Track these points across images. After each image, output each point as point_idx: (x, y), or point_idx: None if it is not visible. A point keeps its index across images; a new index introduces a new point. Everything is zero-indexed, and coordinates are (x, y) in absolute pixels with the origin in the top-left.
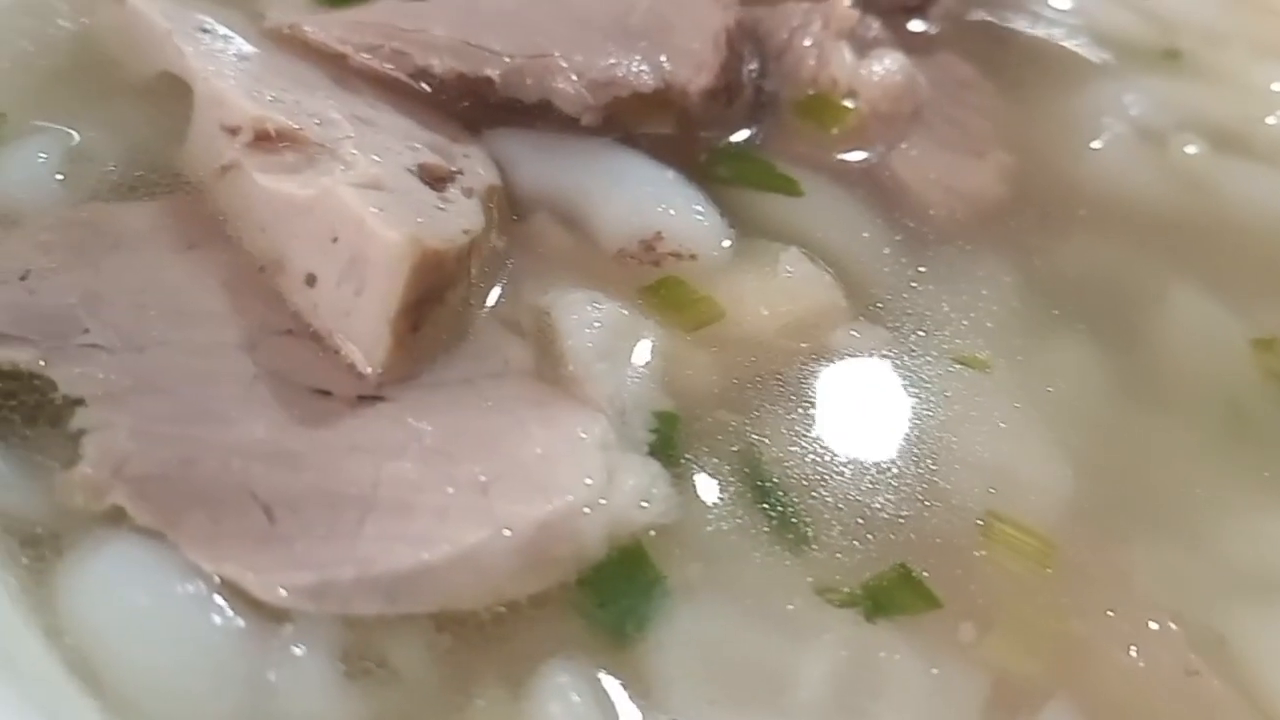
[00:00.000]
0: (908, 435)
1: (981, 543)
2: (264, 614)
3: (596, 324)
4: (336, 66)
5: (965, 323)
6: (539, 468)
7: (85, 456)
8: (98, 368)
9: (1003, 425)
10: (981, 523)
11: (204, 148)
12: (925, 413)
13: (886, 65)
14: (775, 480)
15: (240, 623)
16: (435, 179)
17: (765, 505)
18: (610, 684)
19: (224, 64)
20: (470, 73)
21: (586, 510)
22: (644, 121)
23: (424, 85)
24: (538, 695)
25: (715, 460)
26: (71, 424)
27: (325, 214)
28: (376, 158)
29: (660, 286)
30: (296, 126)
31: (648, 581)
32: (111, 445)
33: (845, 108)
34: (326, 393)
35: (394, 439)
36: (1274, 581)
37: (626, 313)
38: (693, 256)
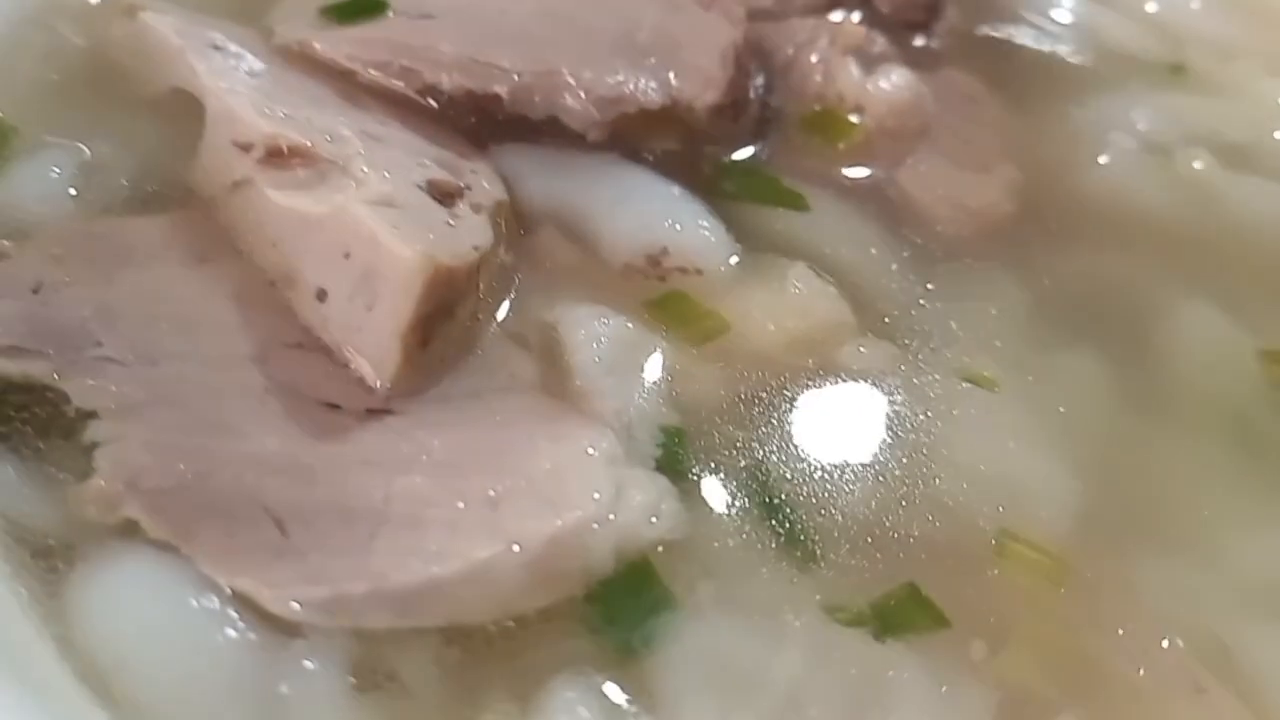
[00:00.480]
0: (916, 452)
1: (993, 560)
2: (275, 627)
3: (603, 339)
4: (346, 83)
5: (973, 339)
6: (548, 483)
7: (99, 469)
8: (110, 380)
9: (1011, 442)
10: (995, 542)
11: (216, 163)
12: (933, 429)
13: (893, 81)
14: (783, 497)
15: (252, 635)
16: (444, 195)
17: (773, 521)
18: (618, 698)
19: (236, 81)
20: (478, 89)
21: (595, 525)
22: (651, 137)
23: (432, 101)
24: (546, 709)
25: (723, 476)
26: (85, 436)
27: (338, 230)
28: (387, 174)
29: (666, 301)
30: (308, 143)
31: (655, 597)
32: (125, 458)
33: (852, 123)
34: (336, 406)
35: (404, 453)
36: None
37: (633, 327)
38: (699, 271)
